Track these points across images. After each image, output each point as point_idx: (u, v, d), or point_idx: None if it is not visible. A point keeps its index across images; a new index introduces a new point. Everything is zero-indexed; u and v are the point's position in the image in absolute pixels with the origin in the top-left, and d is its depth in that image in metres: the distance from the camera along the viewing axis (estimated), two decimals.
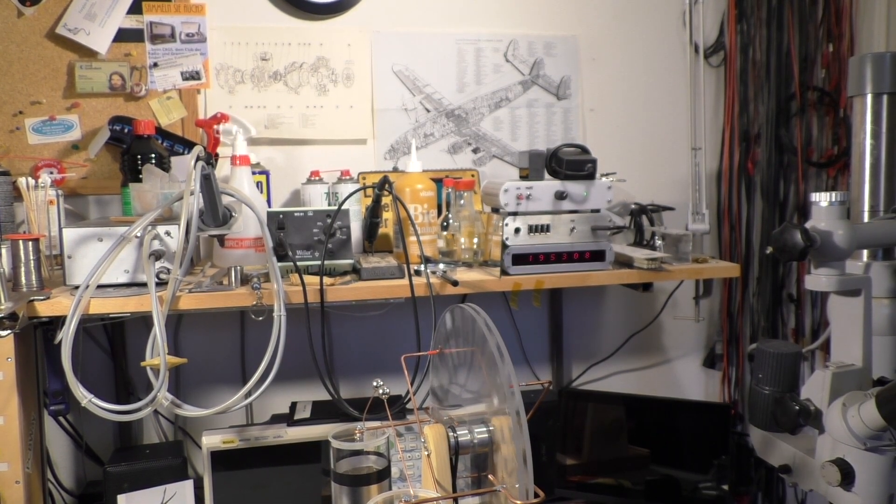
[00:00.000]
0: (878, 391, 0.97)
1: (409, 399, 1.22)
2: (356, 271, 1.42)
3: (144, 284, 1.24)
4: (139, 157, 1.51)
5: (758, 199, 2.04)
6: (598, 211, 1.48)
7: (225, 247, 1.47)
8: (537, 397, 1.07)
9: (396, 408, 1.37)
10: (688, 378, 2.12)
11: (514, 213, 1.43)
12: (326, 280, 1.33)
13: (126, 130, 1.65)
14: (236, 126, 1.62)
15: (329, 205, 1.65)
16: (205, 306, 1.27)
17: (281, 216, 1.37)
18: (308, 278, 1.32)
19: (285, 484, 1.50)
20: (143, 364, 1.19)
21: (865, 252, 1.23)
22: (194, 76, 1.71)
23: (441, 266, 1.45)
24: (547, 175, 1.48)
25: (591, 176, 1.46)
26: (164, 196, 1.33)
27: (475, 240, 1.56)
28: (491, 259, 1.55)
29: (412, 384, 1.23)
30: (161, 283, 1.25)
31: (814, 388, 1.06)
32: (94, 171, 1.68)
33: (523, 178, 1.48)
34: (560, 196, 1.44)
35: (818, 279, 1.07)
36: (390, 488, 1.05)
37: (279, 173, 1.77)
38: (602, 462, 1.73)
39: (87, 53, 1.65)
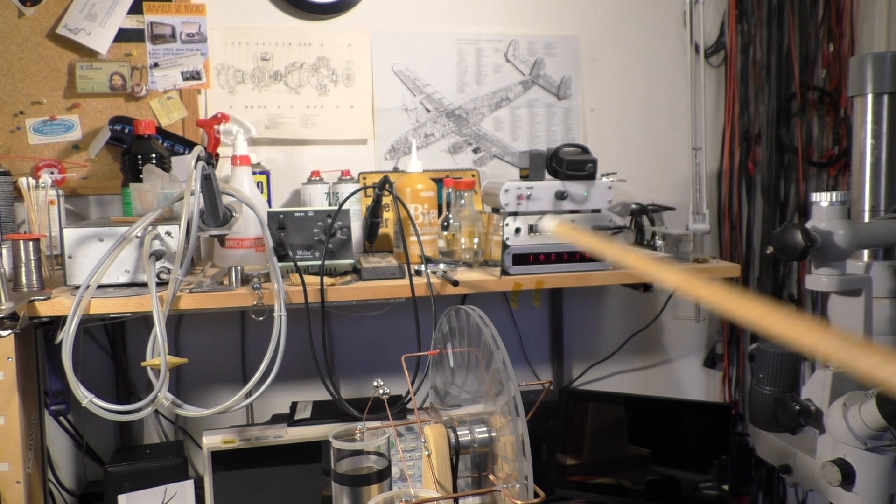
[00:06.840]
0: (879, 391, 0.97)
1: (410, 399, 1.22)
2: (357, 271, 1.42)
3: (145, 284, 1.24)
4: (140, 157, 1.51)
5: (758, 198, 2.04)
6: (598, 211, 1.48)
7: (225, 247, 1.48)
8: (537, 397, 1.07)
9: (397, 408, 1.37)
10: (688, 378, 2.12)
11: (515, 213, 1.43)
12: (327, 280, 1.33)
13: (126, 130, 1.65)
14: (237, 126, 1.62)
15: (329, 205, 1.65)
16: (205, 306, 1.28)
17: (281, 216, 1.37)
18: (308, 278, 1.32)
19: (286, 484, 1.50)
20: (143, 364, 1.19)
21: (866, 252, 1.23)
22: (195, 76, 1.71)
23: (441, 266, 1.45)
24: (547, 175, 1.48)
25: (591, 176, 1.46)
26: (164, 196, 1.33)
27: (475, 240, 1.56)
28: (491, 259, 1.55)
29: (412, 384, 1.23)
30: (161, 283, 1.25)
31: (814, 387, 1.06)
32: (94, 171, 1.68)
33: (524, 178, 1.48)
34: (560, 196, 1.44)
35: (819, 279, 1.07)
36: (391, 488, 1.05)
37: (280, 173, 1.77)
38: (602, 462, 1.73)
39: (88, 53, 1.65)
